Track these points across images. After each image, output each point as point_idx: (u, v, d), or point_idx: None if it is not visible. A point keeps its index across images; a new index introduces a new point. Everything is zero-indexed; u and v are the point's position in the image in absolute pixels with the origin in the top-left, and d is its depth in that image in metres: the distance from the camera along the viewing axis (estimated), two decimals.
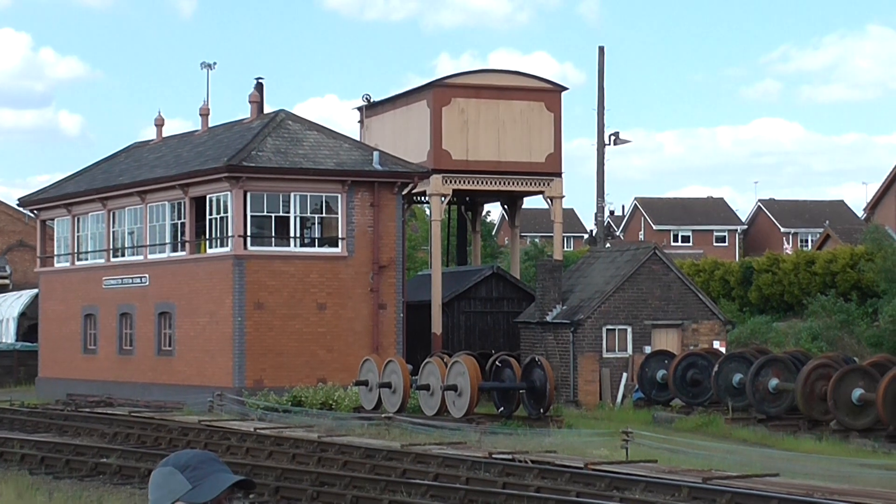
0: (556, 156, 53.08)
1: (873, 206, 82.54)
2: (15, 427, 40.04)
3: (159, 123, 57.94)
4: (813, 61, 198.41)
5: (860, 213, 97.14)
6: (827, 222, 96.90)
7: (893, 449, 34.36)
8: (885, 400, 35.24)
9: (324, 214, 47.36)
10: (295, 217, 46.62)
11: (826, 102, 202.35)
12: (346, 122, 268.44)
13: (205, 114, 54.46)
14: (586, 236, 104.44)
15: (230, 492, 4.61)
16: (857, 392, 36.73)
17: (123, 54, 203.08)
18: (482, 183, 52.57)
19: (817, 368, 38.54)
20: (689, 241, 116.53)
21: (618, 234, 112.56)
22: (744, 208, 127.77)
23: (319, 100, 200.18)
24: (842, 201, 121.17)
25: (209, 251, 47.39)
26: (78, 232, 55.33)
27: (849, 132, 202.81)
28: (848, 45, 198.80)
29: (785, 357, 42.34)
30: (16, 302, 66.91)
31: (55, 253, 57.37)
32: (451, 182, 51.75)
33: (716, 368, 42.22)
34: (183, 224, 48.62)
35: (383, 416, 39.66)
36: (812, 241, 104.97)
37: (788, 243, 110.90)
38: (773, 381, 40.26)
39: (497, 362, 41.15)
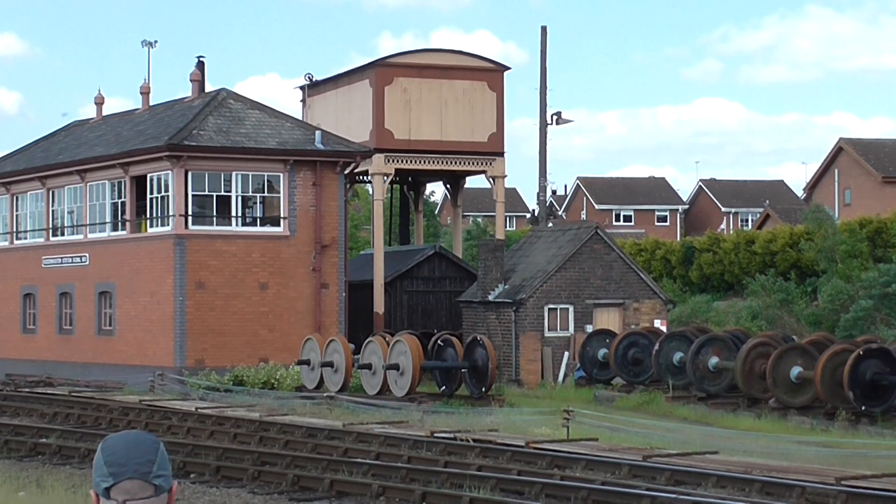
0: (498, 135, 53.13)
1: (812, 186, 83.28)
2: None
3: (99, 102, 57.51)
4: (753, 41, 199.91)
5: (800, 193, 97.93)
6: (767, 202, 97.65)
7: (831, 426, 34.72)
8: (822, 378, 35.59)
9: (266, 194, 47.21)
10: (236, 196, 46.43)
11: (766, 83, 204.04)
12: (289, 102, 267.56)
13: (145, 92, 54.08)
14: (528, 216, 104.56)
15: None
16: (796, 370, 37.08)
17: (62, 31, 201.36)
18: (425, 162, 52.53)
19: (756, 347, 38.86)
20: (630, 221, 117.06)
21: (560, 213, 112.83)
22: (685, 188, 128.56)
23: (261, 78, 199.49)
24: (782, 181, 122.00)
25: (150, 230, 47.13)
26: (17, 211, 54.86)
27: (789, 112, 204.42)
28: (787, 25, 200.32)
29: (725, 336, 42.67)
30: None
31: None
32: (393, 161, 51.68)
33: (657, 347, 42.48)
34: (123, 203, 48.32)
35: (325, 395, 39.63)
36: (752, 220, 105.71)
37: (729, 223, 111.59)
38: (713, 360, 40.58)
39: (439, 341, 41.21)
